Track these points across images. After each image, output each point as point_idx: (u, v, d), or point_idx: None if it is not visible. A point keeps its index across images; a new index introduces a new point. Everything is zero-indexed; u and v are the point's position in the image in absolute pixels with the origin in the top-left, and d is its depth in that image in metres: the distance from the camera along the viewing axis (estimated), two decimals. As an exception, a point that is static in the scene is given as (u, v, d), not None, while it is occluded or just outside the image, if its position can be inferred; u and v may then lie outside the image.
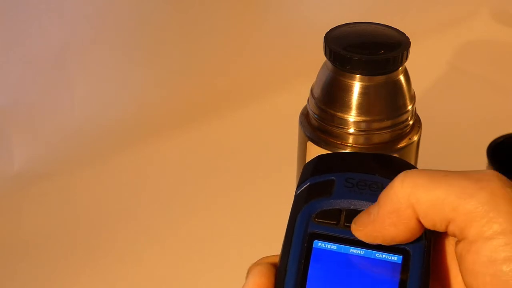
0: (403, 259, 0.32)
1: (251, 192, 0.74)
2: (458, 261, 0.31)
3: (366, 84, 0.52)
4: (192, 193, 0.74)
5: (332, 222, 0.34)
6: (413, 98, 0.55)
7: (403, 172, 0.32)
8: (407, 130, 0.55)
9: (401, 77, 0.54)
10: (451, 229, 0.31)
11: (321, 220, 0.34)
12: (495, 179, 0.31)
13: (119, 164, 0.77)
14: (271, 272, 0.33)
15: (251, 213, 0.71)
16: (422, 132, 0.56)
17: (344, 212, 0.34)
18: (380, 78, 0.52)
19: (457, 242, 0.32)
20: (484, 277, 0.30)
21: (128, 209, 0.72)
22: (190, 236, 0.69)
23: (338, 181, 0.35)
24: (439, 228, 0.32)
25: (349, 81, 0.52)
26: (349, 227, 0.33)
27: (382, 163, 0.36)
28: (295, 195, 0.35)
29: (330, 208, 0.34)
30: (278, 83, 0.89)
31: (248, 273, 0.34)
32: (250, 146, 0.81)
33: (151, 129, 0.81)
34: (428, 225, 0.32)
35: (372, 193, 0.34)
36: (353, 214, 0.34)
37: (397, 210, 0.31)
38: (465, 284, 0.31)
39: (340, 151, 0.53)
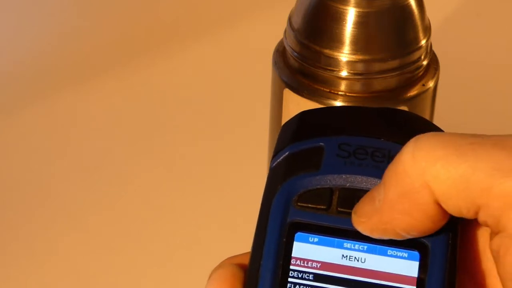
0: (420, 257, 0.31)
1: (207, 162, 0.69)
2: (494, 261, 0.30)
3: (364, 10, 0.51)
4: (128, 156, 0.69)
5: (320, 206, 0.32)
6: (427, 30, 0.54)
7: (414, 138, 0.30)
8: (420, 74, 0.54)
9: (412, 1, 0.52)
10: (483, 217, 0.30)
11: (305, 205, 0.32)
12: None
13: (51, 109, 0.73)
14: (237, 277, 0.32)
15: (209, 195, 0.66)
16: (440, 76, 0.55)
17: (337, 193, 0.32)
18: (383, 2, 0.51)
19: (492, 234, 0.30)
20: None
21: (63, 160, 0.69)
22: (127, 205, 0.65)
23: (329, 149, 0.33)
24: (467, 215, 0.30)
25: (341, 6, 0.51)
26: (344, 213, 0.32)
27: (390, 120, 0.35)
28: (270, 170, 0.34)
29: (318, 187, 0.33)
30: (243, 9, 0.85)
31: (208, 279, 0.33)
32: (205, 96, 0.75)
33: (77, 73, 0.76)
34: (452, 211, 0.30)
35: (376, 165, 0.32)
36: (349, 195, 0.32)
37: (408, 192, 0.30)
38: None
39: (330, 103, 0.52)
